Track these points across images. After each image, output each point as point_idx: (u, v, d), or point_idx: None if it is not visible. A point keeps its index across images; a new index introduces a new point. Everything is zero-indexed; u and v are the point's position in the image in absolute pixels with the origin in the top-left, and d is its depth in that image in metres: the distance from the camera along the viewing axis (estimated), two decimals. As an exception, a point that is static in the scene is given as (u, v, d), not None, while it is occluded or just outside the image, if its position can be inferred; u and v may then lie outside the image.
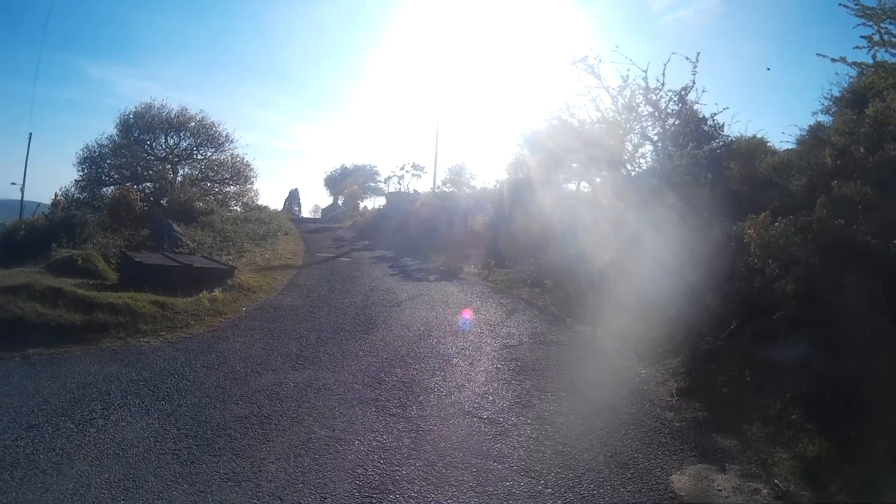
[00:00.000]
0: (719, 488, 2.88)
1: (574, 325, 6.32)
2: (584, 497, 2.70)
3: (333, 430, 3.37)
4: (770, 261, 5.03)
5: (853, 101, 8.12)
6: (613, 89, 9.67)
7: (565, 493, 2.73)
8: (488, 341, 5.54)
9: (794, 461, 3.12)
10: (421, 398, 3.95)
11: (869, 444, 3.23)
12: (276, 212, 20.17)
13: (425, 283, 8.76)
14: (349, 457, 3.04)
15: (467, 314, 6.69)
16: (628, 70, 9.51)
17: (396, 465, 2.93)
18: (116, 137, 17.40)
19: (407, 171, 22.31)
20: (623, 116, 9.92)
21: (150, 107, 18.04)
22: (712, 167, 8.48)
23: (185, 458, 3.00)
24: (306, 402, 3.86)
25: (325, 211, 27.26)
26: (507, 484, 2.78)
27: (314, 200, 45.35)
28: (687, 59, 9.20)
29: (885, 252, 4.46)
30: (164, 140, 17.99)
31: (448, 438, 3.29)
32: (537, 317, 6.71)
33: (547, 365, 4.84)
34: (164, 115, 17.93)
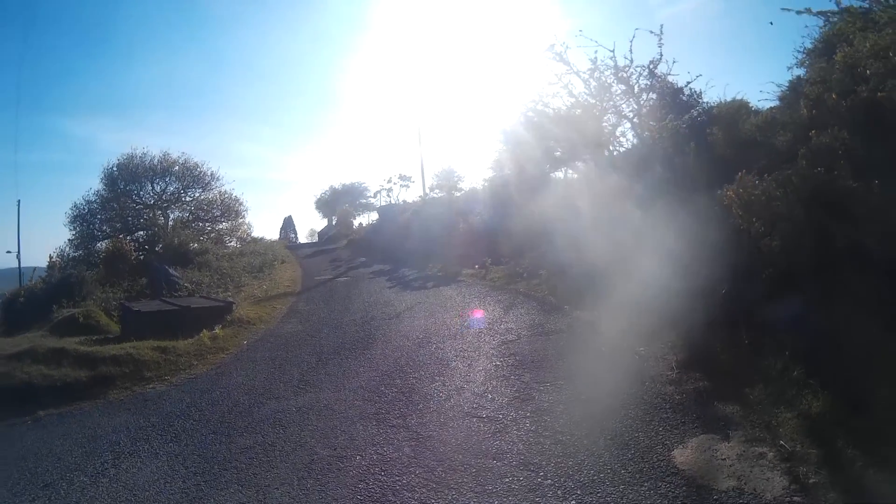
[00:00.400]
0: (723, 457, 2.86)
1: (572, 312, 6.33)
2: (584, 484, 2.71)
3: (335, 449, 3.42)
4: (754, 220, 5.03)
5: (824, 50, 8.09)
6: (584, 73, 9.76)
7: (565, 482, 2.75)
8: (487, 339, 5.57)
9: (798, 420, 3.09)
10: (420, 406, 3.99)
11: (873, 393, 3.20)
12: (271, 242, 20.36)
13: (423, 291, 8.81)
14: (351, 472, 3.08)
15: (465, 315, 6.73)
16: (595, 52, 9.53)
17: (397, 476, 2.97)
18: (103, 192, 17.74)
19: (395, 183, 22.48)
20: (596, 98, 9.99)
21: (133, 156, 18.39)
22: (695, 136, 8.49)
23: (194, 496, 3.07)
24: (309, 424, 3.91)
25: (321, 234, 27.45)
26: (507, 480, 2.80)
27: (310, 225, 45.67)
28: (651, 32, 9.28)
29: (868, 194, 4.43)
30: (150, 187, 18.32)
31: (448, 442, 3.32)
32: (535, 308, 6.73)
33: (546, 355, 4.85)
34: (147, 162, 18.27)
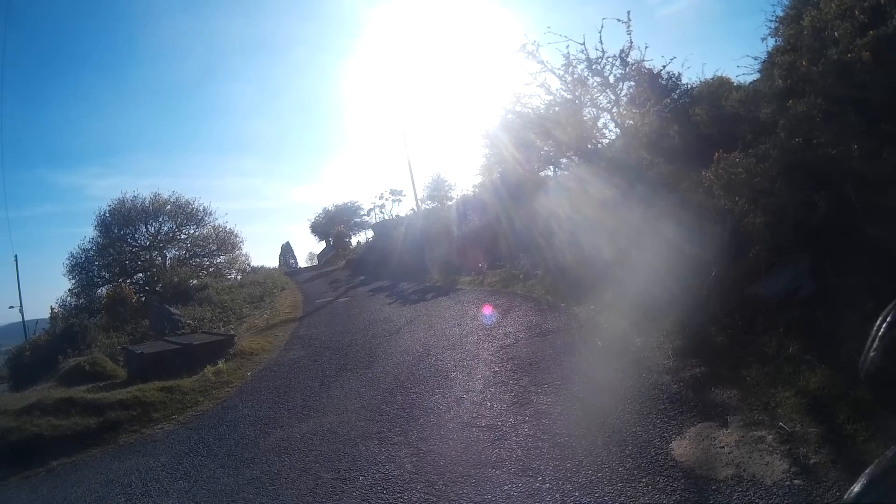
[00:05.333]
0: (721, 445, 2.83)
1: (569, 309, 6.35)
2: (582, 485, 2.72)
3: (339, 472, 3.45)
4: (737, 199, 5.04)
5: (795, 17, 8.08)
6: (558, 69, 9.85)
7: (563, 484, 2.76)
8: (485, 346, 5.59)
9: (797, 398, 3.06)
10: (421, 420, 4.01)
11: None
12: (271, 270, 20.42)
13: (422, 304, 8.84)
14: (354, 493, 3.11)
15: (463, 324, 6.75)
16: (567, 47, 9.61)
17: (398, 493, 3.00)
18: (98, 238, 18.06)
19: (386, 199, 22.57)
20: (573, 94, 10.07)
21: (124, 201, 18.72)
22: (678, 119, 8.51)
23: (202, 534, 3.09)
24: (313, 450, 3.94)
25: (319, 256, 27.54)
26: (506, 488, 2.82)
27: (308, 248, 45.87)
28: (619, 20, 9.36)
29: (847, 158, 4.42)
30: (144, 229, 18.63)
31: (447, 455, 3.34)
32: (532, 309, 6.75)
33: (543, 357, 4.87)
34: (138, 205, 18.62)
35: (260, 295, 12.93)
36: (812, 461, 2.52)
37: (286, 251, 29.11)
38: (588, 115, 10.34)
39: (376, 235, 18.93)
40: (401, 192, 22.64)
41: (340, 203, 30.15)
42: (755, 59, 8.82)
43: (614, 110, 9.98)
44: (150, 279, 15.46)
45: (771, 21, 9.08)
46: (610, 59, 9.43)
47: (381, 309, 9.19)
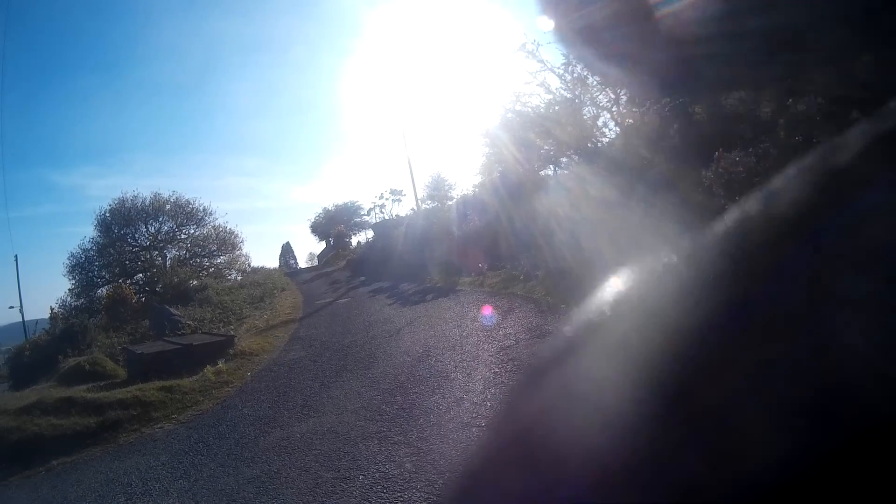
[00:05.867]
0: None
1: (569, 310, 6.34)
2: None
3: (339, 471, 3.45)
4: (737, 198, 5.07)
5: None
6: (558, 68, 9.89)
7: (562, 480, 2.76)
8: (485, 347, 5.60)
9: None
10: (421, 420, 4.01)
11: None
12: (271, 270, 20.37)
13: (423, 305, 8.85)
14: (354, 493, 3.11)
15: (464, 325, 6.76)
16: (567, 48, 9.61)
17: (399, 492, 3.00)
18: (98, 238, 18.01)
19: (386, 199, 22.55)
20: (573, 93, 10.10)
21: (124, 201, 18.69)
22: (678, 118, 8.53)
23: (202, 533, 3.10)
24: (313, 449, 3.94)
25: (319, 256, 27.56)
26: (506, 485, 2.82)
27: (308, 248, 45.94)
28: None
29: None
30: (144, 229, 18.59)
31: (447, 454, 3.34)
32: (533, 311, 6.75)
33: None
34: (138, 205, 18.58)
35: (260, 296, 12.95)
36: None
37: (286, 251, 29.18)
38: (588, 114, 10.39)
39: (376, 235, 18.94)
40: (401, 191, 22.66)
41: (340, 203, 30.16)
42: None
43: (614, 109, 10.02)
44: (151, 279, 15.47)
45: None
46: (610, 59, 9.45)
47: (382, 310, 9.20)
